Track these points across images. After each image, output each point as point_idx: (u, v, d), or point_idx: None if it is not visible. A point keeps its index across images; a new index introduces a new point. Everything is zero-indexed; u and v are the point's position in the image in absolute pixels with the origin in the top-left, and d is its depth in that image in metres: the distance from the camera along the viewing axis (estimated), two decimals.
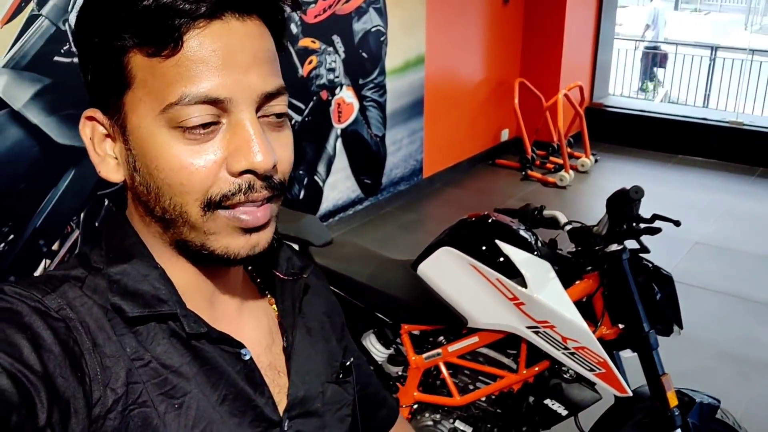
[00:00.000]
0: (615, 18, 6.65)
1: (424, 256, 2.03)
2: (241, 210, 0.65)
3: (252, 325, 0.79)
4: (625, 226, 1.81)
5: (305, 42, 3.83)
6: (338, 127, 4.17)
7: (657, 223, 1.77)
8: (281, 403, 0.76)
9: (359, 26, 4.14)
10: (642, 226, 1.80)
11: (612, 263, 1.84)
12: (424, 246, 2.07)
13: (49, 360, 0.59)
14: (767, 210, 4.88)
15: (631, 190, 1.71)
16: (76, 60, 2.79)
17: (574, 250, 1.97)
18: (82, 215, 2.98)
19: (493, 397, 2.00)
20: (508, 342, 1.97)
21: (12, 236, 2.75)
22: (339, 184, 4.26)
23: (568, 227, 1.96)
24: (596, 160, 5.65)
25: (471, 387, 2.01)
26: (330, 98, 4.07)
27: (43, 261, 2.88)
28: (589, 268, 1.92)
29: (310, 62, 3.89)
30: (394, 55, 4.44)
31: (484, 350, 2.01)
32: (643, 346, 1.84)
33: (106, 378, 0.63)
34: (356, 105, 4.26)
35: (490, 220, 1.98)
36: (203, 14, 0.61)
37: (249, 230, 0.66)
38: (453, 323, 1.97)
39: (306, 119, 3.94)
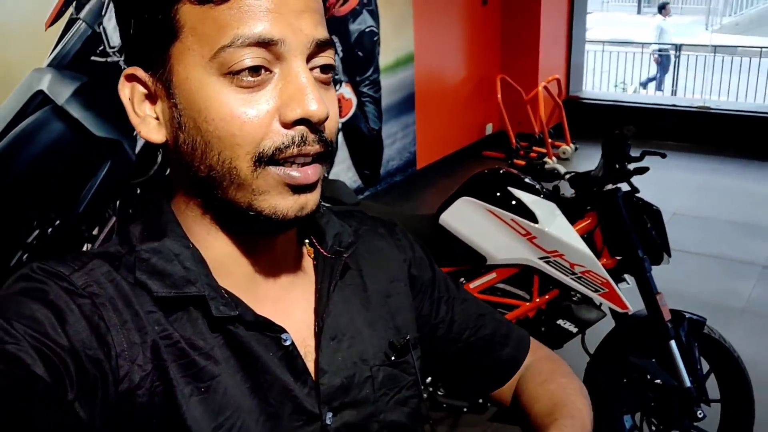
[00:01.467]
0: (585, 21, 7.06)
1: (444, 207, 2.33)
2: (293, 167, 0.64)
3: (302, 306, 0.75)
4: (618, 167, 2.14)
5: None
6: (339, 121, 4.47)
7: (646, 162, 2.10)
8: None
9: (354, 27, 4.46)
10: (632, 166, 2.12)
11: (608, 201, 2.16)
12: None
13: (75, 335, 0.59)
14: (736, 184, 5.26)
15: (624, 129, 2.03)
16: (110, 59, 3.07)
17: (574, 195, 2.29)
18: (117, 203, 3.24)
19: None
20: (521, 277, 2.27)
21: (58, 221, 3.00)
22: (342, 175, 4.55)
23: (567, 176, 2.28)
24: (576, 148, 6.00)
25: None
26: None
27: (85, 245, 3.13)
28: (589, 207, 2.23)
29: None
30: (386, 54, 4.76)
31: (501, 285, 2.31)
32: (639, 270, 2.15)
33: (134, 354, 0.62)
34: (354, 100, 4.57)
35: (501, 171, 2.29)
36: None
37: (298, 189, 0.64)
38: (474, 262, 2.27)
39: None
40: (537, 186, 2.25)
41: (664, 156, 2.08)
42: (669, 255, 2.23)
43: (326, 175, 0.71)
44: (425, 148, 5.39)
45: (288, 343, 0.69)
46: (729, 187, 5.18)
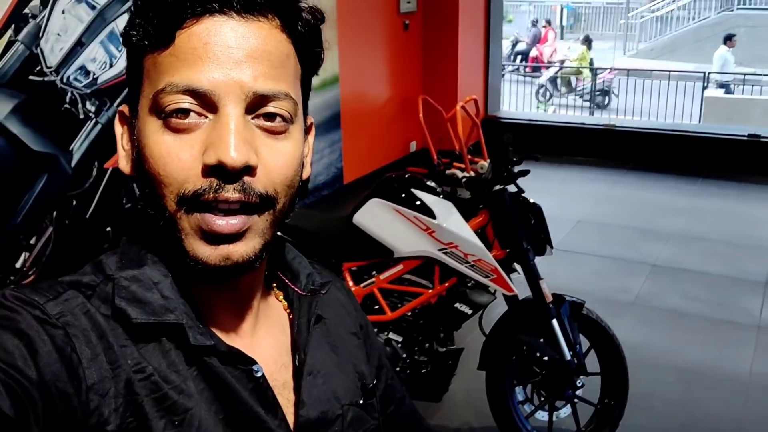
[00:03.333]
0: (501, 46, 7.53)
1: (357, 208, 2.62)
2: (217, 215, 0.64)
3: (268, 342, 0.77)
4: (504, 172, 2.48)
5: None
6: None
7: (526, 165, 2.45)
8: (293, 425, 0.74)
9: None
10: (516, 169, 2.47)
11: (497, 199, 2.49)
12: None
13: (45, 367, 0.59)
14: (637, 194, 5.76)
15: (504, 136, 2.38)
16: (47, 79, 3.26)
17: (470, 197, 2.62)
18: (54, 214, 3.41)
19: (417, 310, 2.60)
20: (424, 268, 2.58)
21: None
22: None
23: (463, 180, 2.62)
24: (484, 173, 6.41)
25: (399, 305, 2.60)
26: None
27: (23, 254, 3.29)
28: (481, 206, 2.56)
29: None
30: None
31: (407, 276, 2.61)
32: (524, 258, 2.48)
33: (105, 388, 0.62)
34: None
35: (407, 176, 2.61)
36: (198, 11, 0.64)
37: (218, 240, 0.65)
38: (383, 256, 2.57)
39: None
40: (437, 188, 2.57)
41: (537, 159, 2.43)
42: (551, 247, 2.58)
43: (270, 228, 0.69)
44: (352, 164, 5.69)
45: (259, 374, 0.70)
46: (628, 197, 5.69)
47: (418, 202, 2.51)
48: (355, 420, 0.81)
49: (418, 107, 6.40)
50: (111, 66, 3.57)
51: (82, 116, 3.47)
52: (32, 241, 3.33)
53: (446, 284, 2.55)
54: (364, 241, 2.58)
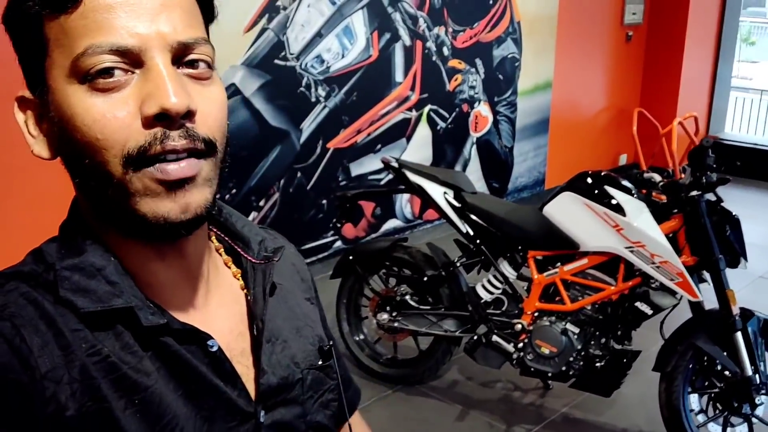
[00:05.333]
0: (731, 65, 7.11)
1: (549, 200, 2.74)
2: (166, 163, 0.63)
3: (222, 312, 0.76)
4: (703, 178, 2.47)
5: (453, 63, 4.66)
6: (474, 135, 4.96)
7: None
8: (254, 393, 0.74)
9: (498, 52, 4.94)
10: (714, 176, 2.45)
11: (692, 205, 2.49)
12: None
13: None
14: None
15: (703, 140, 2.38)
16: (288, 63, 3.74)
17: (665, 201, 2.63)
18: (281, 182, 3.90)
19: (597, 305, 2.66)
20: (609, 264, 2.64)
21: (234, 190, 3.70)
22: None
23: (661, 183, 2.64)
24: (683, 178, 6.11)
25: (580, 297, 2.68)
26: (469, 111, 4.88)
27: (252, 213, 3.80)
28: (675, 210, 2.57)
29: (456, 80, 4.72)
30: (525, 79, 5.20)
31: (591, 271, 2.68)
32: (714, 267, 2.45)
33: (58, 375, 0.61)
34: (490, 118, 5.04)
35: (602, 173, 2.68)
36: None
37: (174, 187, 0.63)
38: (569, 248, 2.66)
39: (449, 126, 4.76)
40: (632, 189, 2.61)
41: (738, 164, 2.40)
42: (746, 260, 2.51)
43: (216, 178, 0.68)
44: (555, 170, 5.74)
45: (215, 349, 0.70)
46: None
47: (609, 200, 2.58)
48: (315, 382, 0.82)
49: (632, 120, 6.31)
50: (343, 57, 3.99)
51: (313, 99, 3.92)
52: (261, 203, 3.83)
53: (629, 283, 2.58)
54: (552, 232, 2.69)
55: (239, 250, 0.81)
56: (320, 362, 0.83)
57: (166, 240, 0.68)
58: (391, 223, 4.57)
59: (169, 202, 0.64)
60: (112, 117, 0.62)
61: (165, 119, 0.62)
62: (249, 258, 0.80)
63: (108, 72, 0.62)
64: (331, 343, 0.88)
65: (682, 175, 2.78)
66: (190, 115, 0.63)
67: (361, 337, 3.14)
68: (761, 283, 4.19)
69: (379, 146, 4.33)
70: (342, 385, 0.87)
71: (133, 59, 0.62)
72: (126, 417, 0.64)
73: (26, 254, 0.70)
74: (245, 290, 0.80)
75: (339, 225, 4.07)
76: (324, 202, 4.11)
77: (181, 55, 0.64)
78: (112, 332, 0.66)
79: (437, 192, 2.82)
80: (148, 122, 0.62)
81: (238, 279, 0.80)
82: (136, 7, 0.62)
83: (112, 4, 0.61)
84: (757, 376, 2.41)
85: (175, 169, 0.63)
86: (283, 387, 0.77)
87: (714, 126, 6.98)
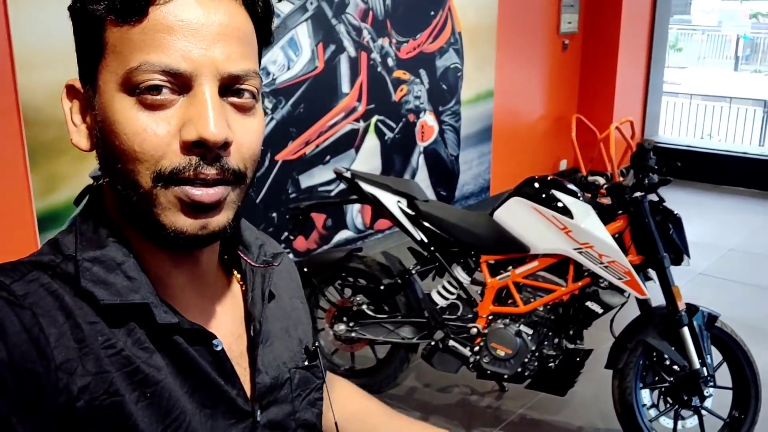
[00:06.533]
0: (663, 71, 7.39)
1: (499, 205, 2.80)
2: (194, 186, 0.65)
3: (224, 315, 0.79)
4: (645, 180, 2.56)
5: (398, 73, 4.72)
6: (421, 145, 5.02)
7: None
8: (251, 393, 0.77)
9: (441, 63, 5.02)
10: (656, 178, 2.55)
11: (636, 206, 2.58)
12: None
13: (14, 348, 0.60)
14: None
15: (644, 142, 2.48)
16: None
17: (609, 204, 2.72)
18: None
19: (549, 306, 2.73)
20: (559, 266, 2.71)
21: None
22: None
23: (605, 186, 2.73)
24: (625, 180, 6.33)
25: (532, 299, 2.74)
26: (415, 121, 4.93)
27: None
28: (620, 212, 2.66)
29: (401, 90, 4.77)
30: (468, 88, 5.29)
31: (542, 273, 2.75)
32: (659, 265, 2.55)
33: (72, 367, 0.63)
34: (436, 128, 5.11)
35: (549, 178, 2.76)
36: None
37: (198, 210, 0.66)
38: (520, 251, 2.72)
39: (396, 136, 4.80)
40: (577, 192, 2.69)
41: (678, 165, 2.51)
42: (689, 257, 2.62)
43: (239, 201, 0.71)
44: (499, 176, 5.85)
45: (219, 348, 0.73)
46: None
47: (557, 203, 2.65)
48: (302, 382, 0.85)
49: (571, 126, 6.50)
50: (289, 69, 3.99)
51: None
52: None
53: (579, 283, 2.66)
54: (503, 236, 2.75)
55: (240, 253, 0.83)
56: (306, 362, 0.86)
57: (181, 250, 0.71)
58: (343, 234, 4.58)
59: (188, 221, 0.66)
60: (152, 133, 0.64)
61: (202, 147, 0.64)
62: (249, 261, 0.83)
63: (156, 89, 0.64)
64: (317, 344, 0.90)
65: (621, 178, 2.89)
66: (226, 146, 0.66)
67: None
68: (702, 279, 4.36)
69: (328, 157, 4.34)
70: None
71: (182, 82, 0.64)
72: (138, 410, 0.66)
73: (43, 244, 0.72)
74: (243, 293, 0.82)
75: (292, 238, 4.06)
76: (274, 215, 4.09)
77: (229, 84, 0.67)
78: (125, 328, 0.68)
79: (391, 201, 2.84)
80: (186, 146, 0.64)
81: (240, 283, 0.83)
82: (196, 33, 0.64)
83: (174, 26, 0.64)
84: (704, 369, 2.50)
85: (201, 195, 0.65)
86: (274, 386, 0.80)
87: (649, 129, 7.24)
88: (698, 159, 6.83)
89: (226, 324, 0.79)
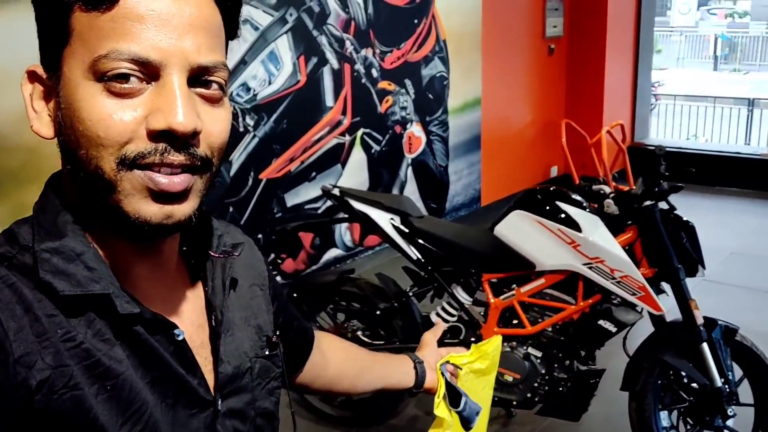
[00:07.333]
0: (650, 75, 7.29)
1: (499, 220, 2.63)
2: (159, 174, 0.65)
3: (185, 306, 0.79)
4: (655, 187, 2.40)
5: (383, 84, 4.55)
6: (409, 156, 4.85)
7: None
8: (212, 383, 0.77)
9: (426, 72, 4.86)
10: (666, 185, 2.39)
11: (647, 215, 2.42)
12: None
13: None
14: None
15: (655, 148, 2.31)
16: None
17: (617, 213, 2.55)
18: None
19: (558, 326, 2.55)
20: (567, 282, 2.54)
21: None
22: None
23: (611, 195, 2.57)
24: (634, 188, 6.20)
25: (540, 319, 2.57)
26: (402, 132, 4.77)
27: None
28: (629, 222, 2.49)
29: (387, 101, 4.61)
30: (455, 97, 5.14)
31: (549, 290, 2.57)
32: (674, 278, 2.38)
33: (31, 360, 0.62)
34: (424, 138, 4.95)
35: (552, 189, 2.59)
36: None
37: (163, 198, 0.65)
38: (525, 268, 2.55)
39: (383, 149, 4.63)
40: (583, 202, 2.53)
41: (692, 172, 2.34)
42: (704, 267, 2.46)
43: (204, 190, 0.70)
44: (490, 186, 5.69)
45: (180, 338, 0.72)
46: None
47: (562, 215, 2.49)
48: (262, 371, 0.85)
49: (561, 131, 6.34)
50: (270, 83, 3.81)
51: (242, 129, 3.72)
52: None
53: (590, 300, 2.49)
54: (506, 252, 2.58)
55: (202, 245, 0.83)
56: (267, 351, 0.86)
57: (145, 240, 0.70)
58: (332, 253, 4.39)
59: (155, 209, 0.65)
60: (118, 119, 0.63)
61: (169, 136, 0.64)
62: (209, 252, 0.82)
63: (124, 77, 0.63)
64: (278, 333, 0.90)
65: (614, 183, 2.74)
66: (194, 135, 0.65)
67: None
68: (706, 285, 4.20)
69: (314, 174, 4.16)
70: (300, 331, 1.03)
71: (151, 71, 0.64)
72: (98, 403, 0.65)
73: None
74: (203, 283, 0.82)
75: (279, 261, 3.87)
76: (260, 236, 3.90)
77: (198, 75, 0.66)
78: (85, 319, 0.66)
79: (383, 219, 2.66)
80: (153, 135, 0.64)
81: (198, 275, 0.83)
82: (166, 23, 0.64)
83: (144, 15, 0.63)
84: (726, 386, 2.34)
85: (167, 183, 0.65)
86: (235, 376, 0.80)
87: (639, 132, 7.12)
88: (689, 160, 6.72)
89: (187, 314, 0.79)
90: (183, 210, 0.67)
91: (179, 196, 0.66)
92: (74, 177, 0.68)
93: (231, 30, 0.72)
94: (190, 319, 0.79)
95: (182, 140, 0.64)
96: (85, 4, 0.64)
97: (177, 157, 0.65)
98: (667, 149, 2.48)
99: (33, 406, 0.62)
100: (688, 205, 6.03)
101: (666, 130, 10.46)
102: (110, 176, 0.64)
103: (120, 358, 0.67)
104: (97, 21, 0.63)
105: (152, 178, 0.64)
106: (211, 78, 0.67)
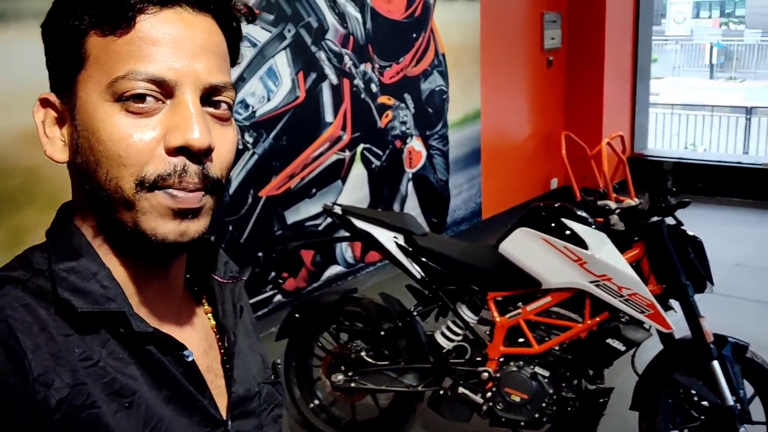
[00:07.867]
0: (649, 86, 7.28)
1: (503, 237, 2.59)
2: (176, 191, 0.67)
3: (190, 330, 0.80)
4: (662, 202, 2.37)
5: (382, 99, 4.52)
6: (409, 171, 4.82)
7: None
8: (221, 405, 0.78)
9: (426, 86, 4.84)
10: (673, 200, 2.36)
11: (654, 231, 2.38)
12: None
13: None
14: None
15: (663, 164, 2.28)
16: None
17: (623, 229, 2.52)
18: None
19: (565, 345, 2.51)
20: (574, 300, 2.50)
21: None
22: None
23: (617, 210, 2.53)
24: (640, 203, 6.17)
25: (546, 338, 2.52)
26: (402, 147, 4.74)
27: None
28: (636, 239, 2.46)
29: (387, 116, 4.58)
30: (454, 110, 5.12)
31: (556, 309, 2.53)
32: (683, 294, 2.35)
33: (49, 380, 0.63)
34: (424, 153, 4.92)
35: (556, 205, 2.56)
36: (159, 0, 0.67)
37: (179, 215, 0.67)
38: (530, 286, 2.51)
39: (383, 164, 4.60)
40: (589, 218, 2.49)
41: (700, 186, 2.31)
42: (712, 283, 2.42)
43: (213, 209, 0.73)
44: (491, 199, 5.66)
45: (190, 359, 0.74)
46: None
47: (568, 232, 2.45)
48: (269, 396, 0.87)
49: (560, 144, 6.31)
50: (269, 100, 3.78)
51: (241, 147, 3.68)
52: None
53: (597, 318, 2.45)
54: (511, 270, 2.54)
55: (214, 276, 0.84)
56: (273, 377, 0.89)
57: (158, 258, 0.72)
58: (333, 270, 4.35)
59: (172, 226, 0.67)
60: (138, 139, 0.66)
61: (186, 152, 0.66)
62: (216, 278, 0.84)
63: (141, 98, 0.66)
64: (278, 361, 0.94)
65: (615, 195, 2.71)
66: (209, 152, 0.68)
67: (316, 402, 2.88)
68: (711, 298, 4.15)
69: (314, 190, 4.12)
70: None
71: (166, 90, 0.67)
72: (116, 420, 0.66)
73: (11, 259, 0.72)
74: (208, 310, 0.84)
75: (281, 281, 3.82)
76: (260, 254, 3.86)
77: (208, 95, 0.69)
78: (99, 339, 0.68)
79: (386, 237, 2.63)
80: (171, 152, 0.66)
81: (203, 303, 0.84)
82: (180, 46, 0.67)
83: (159, 39, 0.66)
84: (738, 404, 2.30)
85: (186, 198, 0.67)
86: (245, 398, 0.81)
87: (638, 143, 7.10)
88: (689, 171, 6.69)
89: (194, 338, 0.79)
90: (196, 227, 0.69)
91: (195, 213, 0.69)
92: (92, 198, 0.70)
93: (233, 56, 0.76)
94: (196, 344, 0.79)
95: (198, 156, 0.67)
96: (102, 29, 0.66)
97: (193, 180, 0.67)
98: (666, 159, 2.45)
99: (51, 424, 0.62)
100: (690, 217, 6.01)
101: (663, 140, 10.45)
102: (129, 195, 0.66)
103: (135, 375, 0.69)
104: (113, 44, 0.66)
105: (172, 194, 0.67)
106: (220, 98, 0.70)
